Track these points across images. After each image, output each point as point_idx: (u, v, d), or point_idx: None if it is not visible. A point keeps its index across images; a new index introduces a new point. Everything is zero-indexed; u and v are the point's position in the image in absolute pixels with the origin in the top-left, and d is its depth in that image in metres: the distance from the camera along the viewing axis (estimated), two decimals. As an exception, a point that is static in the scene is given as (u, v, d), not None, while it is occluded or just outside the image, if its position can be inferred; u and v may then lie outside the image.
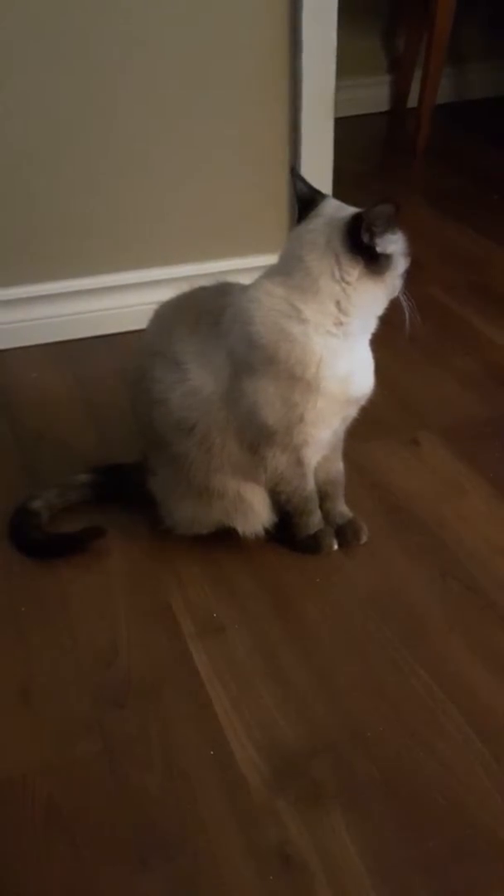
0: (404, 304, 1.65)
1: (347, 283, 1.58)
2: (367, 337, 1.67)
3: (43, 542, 1.80)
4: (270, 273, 1.66)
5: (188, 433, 1.66)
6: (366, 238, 1.55)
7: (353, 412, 1.71)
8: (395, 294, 1.64)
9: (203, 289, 1.74)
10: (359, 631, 1.65)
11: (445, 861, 1.30)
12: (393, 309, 1.65)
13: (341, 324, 1.60)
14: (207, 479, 1.69)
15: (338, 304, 1.59)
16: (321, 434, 1.67)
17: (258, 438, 1.65)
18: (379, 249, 1.57)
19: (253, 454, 1.67)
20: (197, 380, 1.64)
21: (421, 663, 1.57)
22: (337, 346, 1.61)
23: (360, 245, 1.56)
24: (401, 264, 1.62)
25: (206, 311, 1.68)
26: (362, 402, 1.71)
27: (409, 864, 1.29)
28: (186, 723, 1.49)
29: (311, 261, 1.59)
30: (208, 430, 1.65)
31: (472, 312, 2.58)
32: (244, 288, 1.67)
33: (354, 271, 1.58)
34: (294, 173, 1.70)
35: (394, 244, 1.59)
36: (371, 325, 1.66)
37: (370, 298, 1.61)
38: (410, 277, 1.65)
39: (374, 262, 1.58)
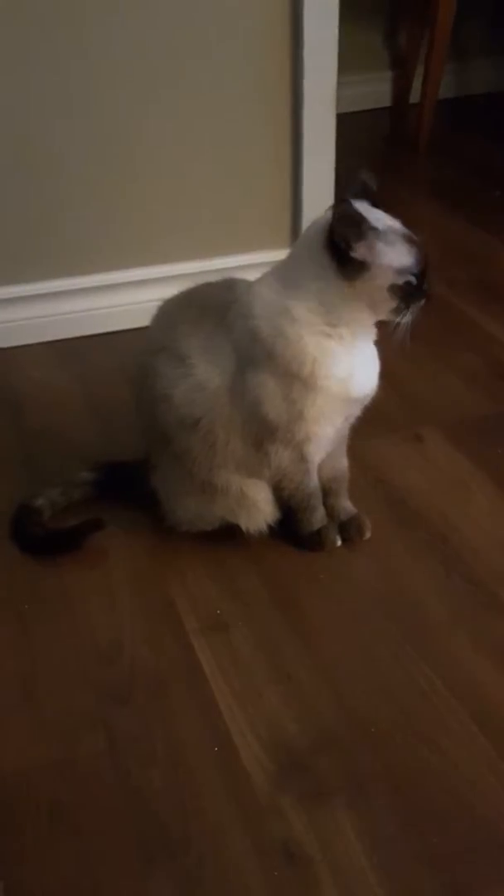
0: (404, 320, 1.59)
1: (326, 283, 1.56)
2: (370, 339, 1.66)
3: (44, 538, 1.80)
4: (276, 267, 1.66)
5: (192, 428, 1.65)
6: (335, 237, 1.52)
7: (356, 411, 1.70)
8: (380, 307, 1.57)
9: (209, 284, 1.74)
10: (363, 627, 1.65)
11: (450, 857, 1.30)
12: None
13: (333, 325, 1.59)
14: (211, 475, 1.68)
15: (321, 305, 1.58)
16: (323, 431, 1.66)
17: (261, 434, 1.65)
18: (354, 254, 1.53)
19: (256, 450, 1.67)
20: (202, 374, 1.64)
21: (425, 659, 1.57)
22: (332, 348, 1.59)
23: (334, 246, 1.54)
24: (383, 277, 1.55)
25: (211, 305, 1.68)
26: (366, 402, 1.70)
27: (414, 860, 1.29)
28: (190, 720, 1.49)
29: (301, 257, 1.59)
30: (212, 426, 1.65)
31: (474, 308, 2.57)
32: (250, 283, 1.67)
33: (329, 273, 1.56)
34: (360, 178, 1.63)
35: (379, 256, 1.54)
36: (368, 331, 1.64)
37: (348, 304, 1.57)
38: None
39: (343, 265, 1.54)
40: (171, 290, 1.76)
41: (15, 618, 1.68)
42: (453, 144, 3.67)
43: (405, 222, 1.59)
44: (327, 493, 1.81)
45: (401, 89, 3.96)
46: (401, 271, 1.56)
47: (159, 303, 1.77)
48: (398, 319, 1.58)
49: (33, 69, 2.22)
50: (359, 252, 1.53)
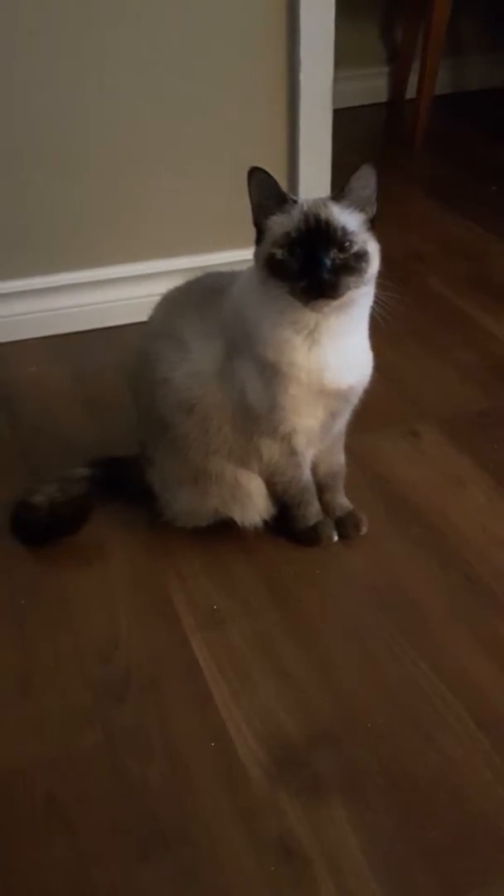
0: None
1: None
2: (354, 332, 1.61)
3: (45, 527, 1.79)
4: None
5: (188, 413, 1.65)
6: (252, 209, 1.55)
7: (341, 405, 1.67)
8: (276, 285, 1.52)
9: (217, 273, 1.75)
10: (359, 622, 1.65)
11: (446, 851, 1.30)
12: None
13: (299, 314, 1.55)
14: (206, 461, 1.68)
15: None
16: (305, 423, 1.65)
17: (249, 423, 1.65)
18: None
19: (247, 442, 1.67)
20: (198, 358, 1.64)
21: (421, 654, 1.57)
22: (296, 337, 1.56)
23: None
24: (269, 248, 1.52)
25: (211, 292, 1.69)
26: (351, 397, 1.67)
27: (410, 854, 1.29)
28: (187, 715, 1.49)
29: None
30: (207, 411, 1.65)
31: (470, 304, 2.57)
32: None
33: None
34: None
35: (272, 226, 1.53)
36: (345, 322, 1.57)
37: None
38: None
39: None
40: (167, 285, 1.77)
41: (12, 613, 1.68)
42: (449, 140, 3.67)
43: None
44: (323, 488, 1.81)
45: (397, 85, 3.96)
46: (280, 245, 1.51)
47: (156, 298, 1.77)
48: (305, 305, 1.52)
49: (32, 66, 2.22)
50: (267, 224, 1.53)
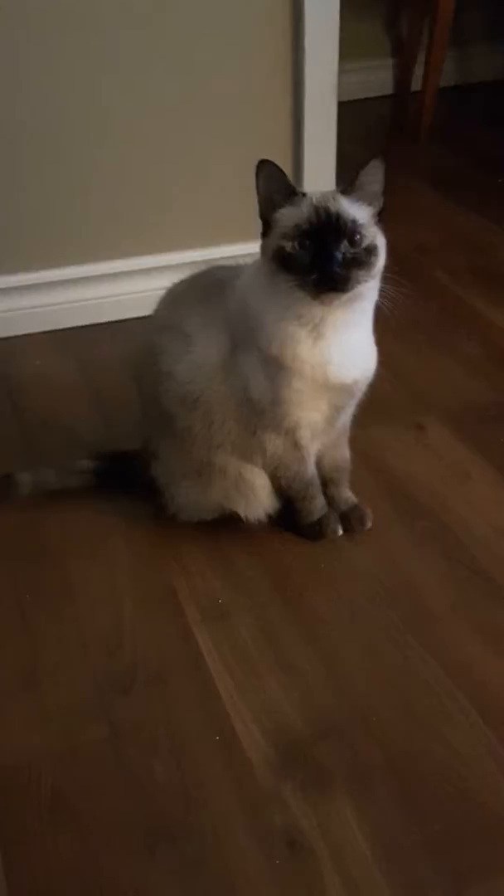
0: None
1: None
2: (359, 326, 1.61)
3: None
4: None
5: (192, 406, 1.65)
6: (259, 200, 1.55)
7: (345, 399, 1.67)
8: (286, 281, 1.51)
9: (218, 267, 1.75)
10: (364, 616, 1.65)
11: (450, 844, 1.30)
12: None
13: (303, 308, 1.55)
14: (210, 456, 1.68)
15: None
16: (309, 417, 1.65)
17: (252, 417, 1.65)
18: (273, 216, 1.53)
19: (251, 436, 1.66)
20: (202, 351, 1.64)
21: (426, 647, 1.57)
22: (301, 331, 1.55)
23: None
24: (278, 240, 1.52)
25: (215, 285, 1.68)
26: (355, 391, 1.66)
27: (415, 847, 1.30)
28: (192, 708, 1.49)
29: None
30: (210, 405, 1.65)
31: (476, 296, 2.57)
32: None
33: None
34: None
35: (280, 219, 1.53)
36: (351, 317, 1.57)
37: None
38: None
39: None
40: (172, 279, 1.77)
41: (17, 608, 1.68)
42: (455, 132, 3.66)
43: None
44: (328, 482, 1.81)
45: (402, 77, 3.95)
46: (287, 237, 1.51)
47: (161, 291, 1.77)
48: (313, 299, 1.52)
49: (36, 60, 2.21)
50: (276, 217, 1.53)
